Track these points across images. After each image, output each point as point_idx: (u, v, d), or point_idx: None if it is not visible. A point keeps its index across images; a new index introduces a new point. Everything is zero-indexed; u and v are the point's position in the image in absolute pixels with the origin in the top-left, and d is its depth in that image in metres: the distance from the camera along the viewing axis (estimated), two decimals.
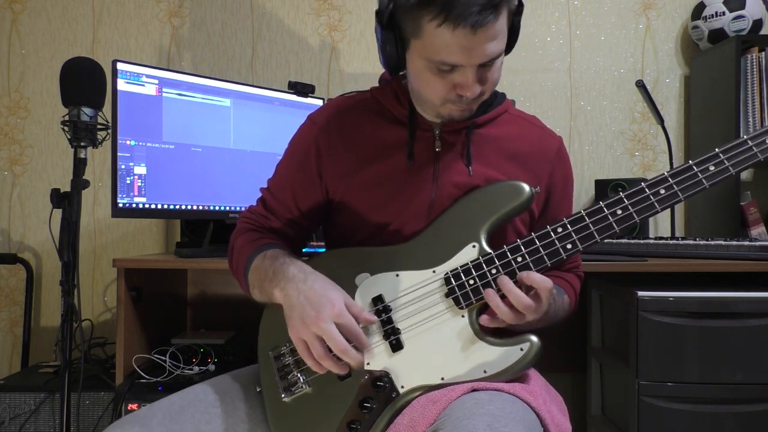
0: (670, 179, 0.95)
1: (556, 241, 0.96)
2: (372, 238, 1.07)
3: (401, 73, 1.09)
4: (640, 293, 1.44)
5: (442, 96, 0.98)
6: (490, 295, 0.94)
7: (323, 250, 1.19)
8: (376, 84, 1.17)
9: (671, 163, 2.02)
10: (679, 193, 0.94)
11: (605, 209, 0.96)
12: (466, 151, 1.06)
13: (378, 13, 0.97)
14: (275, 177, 1.16)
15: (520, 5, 0.97)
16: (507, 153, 1.09)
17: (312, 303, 0.92)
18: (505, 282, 0.94)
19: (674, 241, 1.63)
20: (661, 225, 2.17)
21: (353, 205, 1.08)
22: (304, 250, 1.24)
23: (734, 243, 1.55)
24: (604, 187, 1.98)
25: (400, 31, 0.95)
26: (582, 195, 2.20)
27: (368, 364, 0.97)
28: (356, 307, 0.96)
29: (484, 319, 0.96)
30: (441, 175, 1.05)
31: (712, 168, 0.94)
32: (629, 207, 0.96)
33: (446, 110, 1.01)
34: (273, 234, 1.13)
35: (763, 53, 1.88)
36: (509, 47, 1.00)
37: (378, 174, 1.06)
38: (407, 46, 0.96)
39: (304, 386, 1.00)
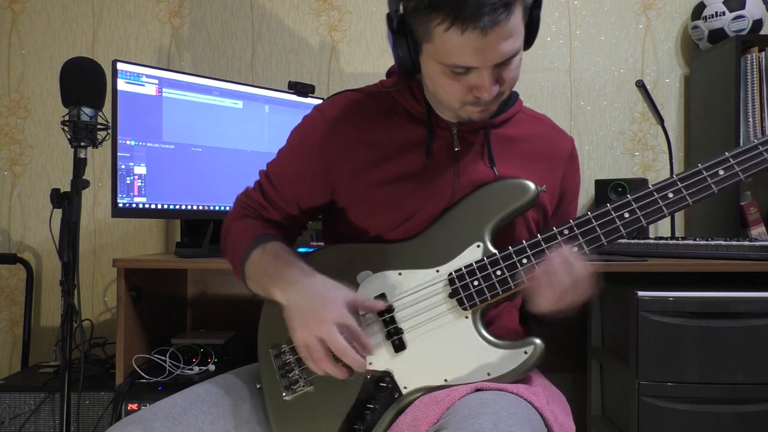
0: (678, 183, 0.93)
1: (562, 244, 0.95)
2: (380, 239, 1.04)
3: None
4: (640, 293, 1.44)
5: (460, 99, 0.95)
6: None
7: None
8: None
9: (671, 163, 2.02)
10: (687, 197, 0.92)
11: (612, 212, 0.94)
12: (487, 151, 1.05)
13: (389, 18, 0.94)
14: (277, 166, 1.13)
15: None
16: (523, 153, 1.08)
17: (312, 305, 0.91)
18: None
19: (674, 241, 1.63)
20: (661, 225, 2.16)
21: (364, 204, 1.05)
22: (301, 250, 1.21)
23: (734, 243, 1.55)
24: (604, 187, 1.98)
25: (412, 35, 0.92)
26: (582, 195, 2.19)
27: (371, 364, 0.96)
28: (360, 297, 0.95)
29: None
30: (462, 175, 1.03)
31: (721, 172, 0.92)
32: (637, 210, 0.94)
33: (465, 113, 0.98)
34: (269, 225, 1.11)
35: (763, 53, 1.88)
36: (529, 42, 0.95)
37: (394, 172, 1.03)
38: (420, 49, 0.93)
39: (305, 385, 0.99)
